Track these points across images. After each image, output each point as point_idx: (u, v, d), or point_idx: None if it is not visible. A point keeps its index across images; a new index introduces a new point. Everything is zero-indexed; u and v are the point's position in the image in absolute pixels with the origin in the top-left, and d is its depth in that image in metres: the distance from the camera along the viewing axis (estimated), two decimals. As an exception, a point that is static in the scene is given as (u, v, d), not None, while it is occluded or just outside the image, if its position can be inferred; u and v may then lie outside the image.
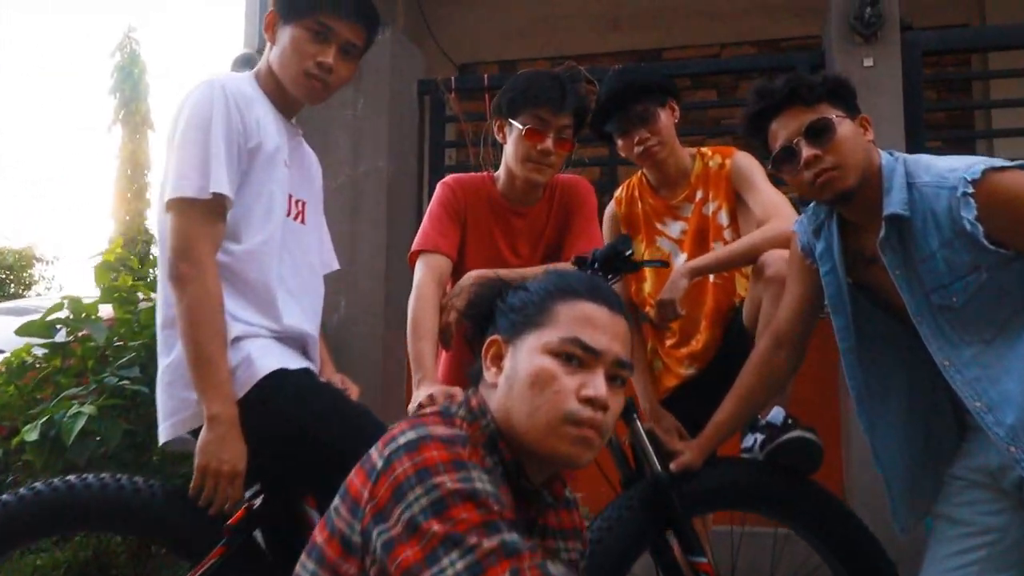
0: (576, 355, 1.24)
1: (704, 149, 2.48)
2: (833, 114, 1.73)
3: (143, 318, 3.55)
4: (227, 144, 1.72)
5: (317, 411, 1.68)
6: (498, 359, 1.30)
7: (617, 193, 2.60)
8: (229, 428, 1.63)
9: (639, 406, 1.87)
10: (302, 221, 1.96)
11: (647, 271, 2.48)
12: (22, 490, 1.74)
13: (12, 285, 18.97)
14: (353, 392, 1.90)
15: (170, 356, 1.72)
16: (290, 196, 1.91)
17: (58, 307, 3.52)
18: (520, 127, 2.14)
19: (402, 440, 1.16)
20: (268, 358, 1.70)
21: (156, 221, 1.81)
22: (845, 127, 1.73)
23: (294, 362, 1.75)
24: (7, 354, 3.84)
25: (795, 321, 1.92)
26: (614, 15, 5.13)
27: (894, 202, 1.67)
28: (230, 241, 1.76)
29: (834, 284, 1.81)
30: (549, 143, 2.14)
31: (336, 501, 1.19)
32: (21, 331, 3.61)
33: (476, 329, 1.37)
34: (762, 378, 1.94)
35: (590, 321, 1.27)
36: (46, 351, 3.58)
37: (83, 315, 3.54)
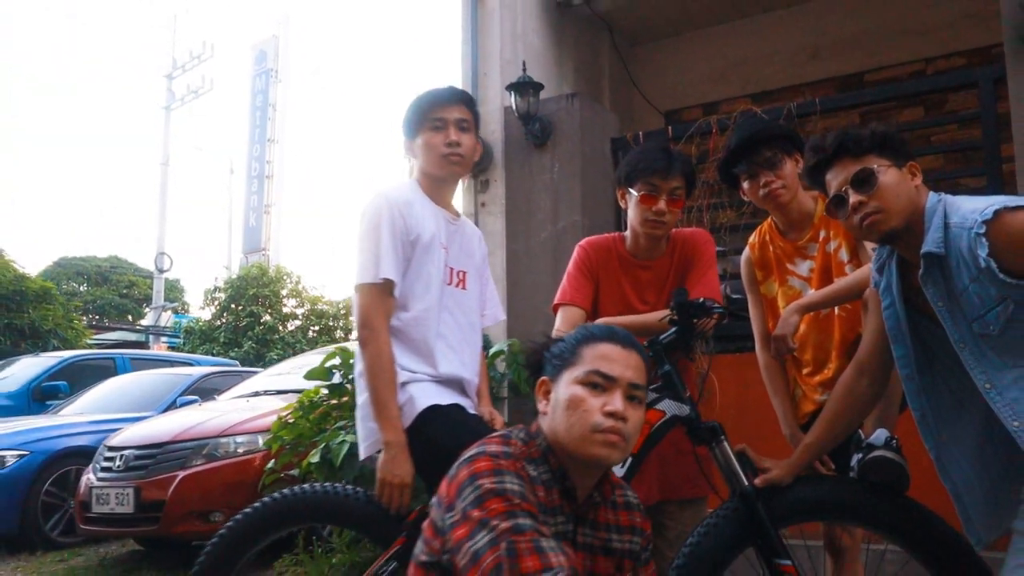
0: (598, 383, 1.65)
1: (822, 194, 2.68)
2: (877, 164, 1.93)
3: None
4: (392, 241, 2.32)
5: (459, 436, 2.19)
6: (546, 394, 1.74)
7: (751, 239, 2.86)
8: (399, 451, 2.21)
9: (726, 434, 2.18)
10: (462, 287, 2.50)
11: (779, 308, 2.72)
12: (283, 491, 2.43)
13: (338, 331, 22.02)
14: (497, 422, 2.40)
15: (362, 397, 2.35)
16: (451, 269, 2.47)
17: (332, 356, 4.43)
18: (636, 194, 2.54)
19: (465, 456, 1.64)
20: (425, 397, 2.27)
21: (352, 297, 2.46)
22: (889, 175, 1.92)
23: (446, 399, 2.30)
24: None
25: (875, 351, 2.10)
26: (814, 45, 5.22)
27: (929, 241, 1.84)
28: (400, 310, 2.36)
29: (893, 317, 1.99)
30: (662, 204, 2.51)
31: (434, 497, 1.70)
32: (307, 376, 4.58)
33: (532, 376, 1.81)
34: (846, 404, 2.14)
35: (607, 357, 1.67)
36: (327, 391, 4.50)
37: (350, 361, 4.40)
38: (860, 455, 2.21)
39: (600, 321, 2.49)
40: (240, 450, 5.43)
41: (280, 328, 21.08)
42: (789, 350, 2.47)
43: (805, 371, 2.70)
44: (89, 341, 21.28)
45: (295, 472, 4.35)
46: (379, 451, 2.29)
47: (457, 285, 2.48)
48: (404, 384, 2.29)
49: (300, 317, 21.95)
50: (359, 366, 2.37)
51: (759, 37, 5.39)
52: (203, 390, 8.29)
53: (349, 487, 2.39)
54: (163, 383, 8.55)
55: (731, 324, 4.21)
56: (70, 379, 9.52)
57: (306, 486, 2.43)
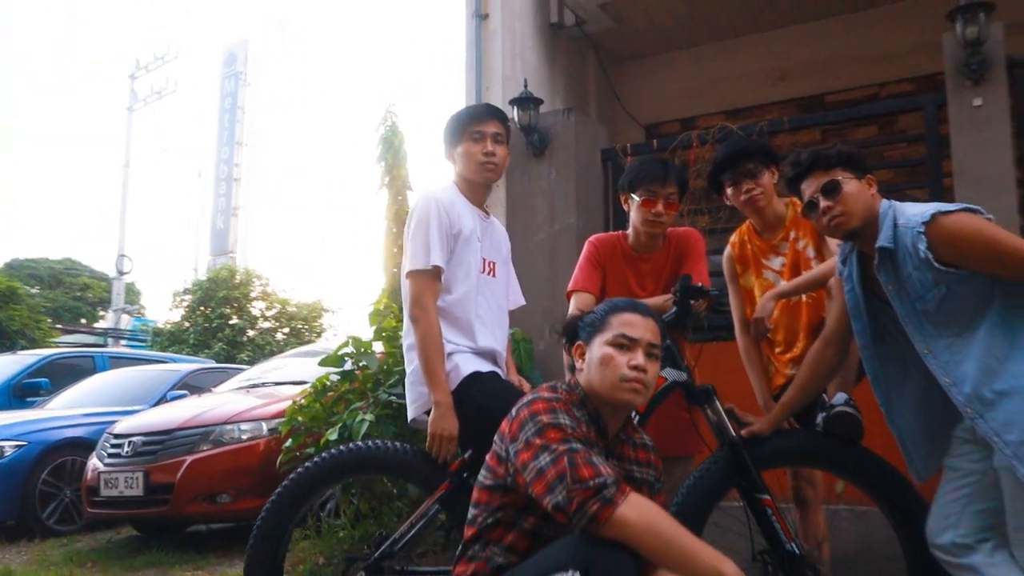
0: (624, 343, 2.10)
1: (795, 199, 3.16)
2: (842, 176, 2.41)
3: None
4: (439, 234, 2.75)
5: (498, 398, 2.63)
6: (582, 355, 2.19)
7: (732, 239, 3.33)
8: (447, 409, 2.65)
9: (717, 395, 2.65)
10: (493, 275, 2.94)
11: (756, 297, 3.20)
12: (340, 447, 2.84)
13: (307, 333, 22.21)
14: (525, 387, 2.85)
15: (411, 367, 2.78)
16: (484, 260, 2.90)
17: (344, 345, 4.83)
18: (638, 199, 3.01)
19: (523, 400, 2.09)
20: (467, 366, 2.71)
21: (401, 282, 2.88)
22: (851, 185, 2.40)
23: (485, 368, 2.74)
24: (308, 385, 5.24)
25: (838, 327, 2.59)
26: (781, 68, 5.77)
27: (882, 238, 2.33)
28: (445, 293, 2.79)
29: (852, 298, 2.48)
30: (660, 207, 2.99)
31: (496, 435, 2.13)
32: (322, 363, 4.97)
33: (568, 341, 2.27)
34: (815, 370, 2.63)
35: (630, 323, 2.13)
36: (339, 377, 4.89)
37: (362, 350, 4.80)
38: (824, 413, 2.70)
39: None
40: (245, 436, 5.74)
41: (250, 330, 21.20)
42: (766, 330, 2.96)
43: (777, 350, 3.18)
44: (55, 341, 21.13)
45: (310, 451, 4.73)
46: (426, 412, 2.73)
47: (489, 273, 2.92)
48: (450, 354, 2.72)
49: (270, 319, 22.09)
50: (408, 340, 2.80)
51: (732, 60, 5.94)
52: (189, 386, 8.45)
53: (398, 443, 2.82)
54: (151, 379, 8.69)
55: (708, 317, 4.71)
56: (49, 377, 9.57)
57: (359, 443, 2.85)
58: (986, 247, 2.17)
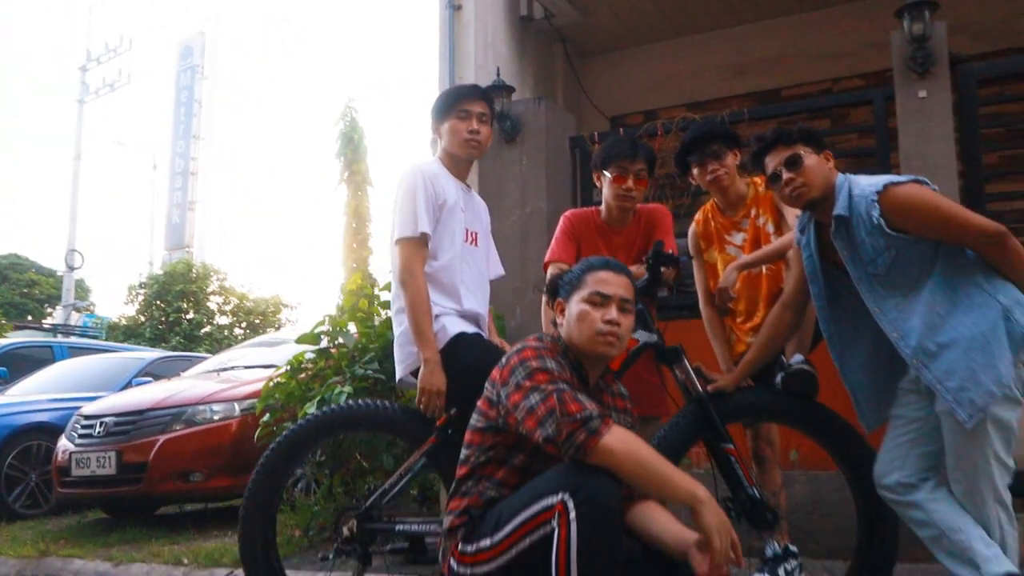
0: (598, 300, 2.29)
1: (756, 179, 3.40)
2: (803, 150, 2.64)
3: (379, 330, 4.88)
4: (426, 203, 2.93)
5: (483, 358, 2.81)
6: (562, 311, 2.38)
7: (696, 216, 3.56)
8: (435, 366, 2.82)
9: (686, 354, 2.87)
10: (475, 244, 3.13)
11: (719, 271, 3.43)
12: (332, 406, 3.00)
13: (265, 328, 22.10)
14: (506, 348, 3.03)
15: (400, 328, 2.95)
16: (467, 229, 3.08)
17: (321, 323, 4.96)
18: (609, 175, 3.22)
19: (513, 349, 2.28)
20: (454, 327, 2.89)
21: (389, 250, 3.04)
22: (811, 159, 2.63)
23: (470, 329, 2.93)
24: (279, 366, 5.35)
25: (796, 292, 2.83)
26: (739, 64, 6.05)
27: (839, 207, 2.56)
28: (431, 259, 2.97)
29: (810, 264, 2.72)
30: (630, 182, 3.20)
31: (487, 382, 2.31)
32: (299, 340, 5.10)
33: (550, 298, 2.46)
34: (774, 331, 2.86)
35: (604, 280, 2.32)
36: (314, 355, 5.01)
37: (337, 328, 4.94)
38: (783, 372, 2.93)
39: None
40: (217, 417, 5.84)
41: (207, 324, 21.06)
42: (730, 298, 3.18)
43: (739, 319, 3.41)
44: (7, 334, 20.68)
45: (287, 425, 4.84)
46: (412, 372, 2.90)
47: (471, 243, 3.10)
48: (437, 316, 2.90)
49: (228, 314, 21.97)
50: (397, 304, 2.97)
51: (693, 55, 6.20)
52: (153, 375, 8.40)
53: (386, 401, 2.99)
54: (115, 366, 8.63)
55: (670, 297, 4.95)
56: (7, 367, 9.50)
57: (350, 402, 3.01)
58: (932, 214, 2.42)
